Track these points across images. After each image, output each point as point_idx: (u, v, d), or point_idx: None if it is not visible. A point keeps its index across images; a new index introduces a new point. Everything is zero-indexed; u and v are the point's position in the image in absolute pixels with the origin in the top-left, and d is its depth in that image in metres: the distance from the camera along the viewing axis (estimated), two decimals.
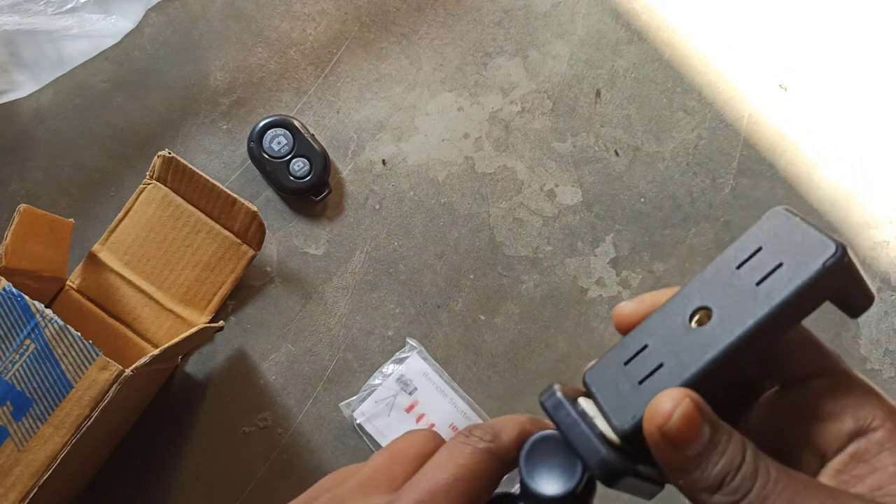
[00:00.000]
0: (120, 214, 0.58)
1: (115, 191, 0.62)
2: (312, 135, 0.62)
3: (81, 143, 0.63)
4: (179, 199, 0.57)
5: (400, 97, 0.64)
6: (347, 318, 0.60)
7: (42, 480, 0.43)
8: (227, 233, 0.57)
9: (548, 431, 0.24)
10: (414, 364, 0.58)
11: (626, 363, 0.24)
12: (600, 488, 0.24)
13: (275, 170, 0.61)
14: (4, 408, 0.44)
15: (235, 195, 0.56)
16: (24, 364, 0.44)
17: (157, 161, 0.57)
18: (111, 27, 0.59)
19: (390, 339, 0.60)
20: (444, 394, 0.58)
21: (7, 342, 0.44)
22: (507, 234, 0.62)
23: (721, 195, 0.62)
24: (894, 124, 0.63)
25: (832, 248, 0.22)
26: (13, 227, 0.47)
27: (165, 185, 0.57)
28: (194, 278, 0.57)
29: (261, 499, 0.57)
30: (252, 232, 0.57)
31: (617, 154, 0.62)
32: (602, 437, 0.23)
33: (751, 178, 0.62)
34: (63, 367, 0.44)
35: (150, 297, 0.57)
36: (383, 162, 0.63)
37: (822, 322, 0.60)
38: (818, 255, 0.22)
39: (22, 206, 0.48)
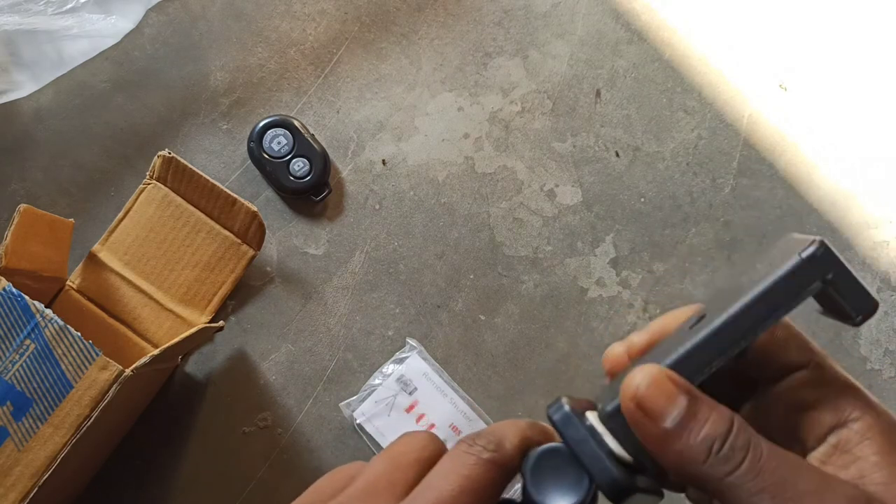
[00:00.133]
0: (120, 214, 0.58)
1: (115, 191, 0.62)
2: (312, 135, 0.62)
3: (81, 143, 0.63)
4: (179, 199, 0.57)
5: (400, 97, 0.64)
6: (347, 318, 0.60)
7: (42, 480, 0.43)
8: (227, 233, 0.57)
9: (554, 445, 0.24)
10: (414, 364, 0.58)
11: None
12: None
13: (275, 170, 0.61)
14: (4, 408, 0.44)
15: (235, 195, 0.56)
16: (24, 364, 0.44)
17: (157, 161, 0.57)
18: (111, 27, 0.59)
19: (390, 339, 0.60)
20: (444, 394, 0.58)
21: (7, 342, 0.44)
22: (507, 234, 0.62)
23: (721, 195, 0.62)
24: (894, 124, 0.63)
25: (809, 242, 0.22)
26: (13, 227, 0.47)
27: (165, 185, 0.57)
28: (194, 278, 0.57)
29: (261, 499, 0.57)
30: (252, 232, 0.57)
31: (617, 155, 0.62)
32: (611, 454, 0.23)
33: (751, 178, 0.62)
34: (63, 367, 0.44)
35: (150, 297, 0.57)
36: (383, 162, 0.63)
37: (823, 322, 0.60)
38: (797, 250, 0.22)
39: (22, 206, 0.48)
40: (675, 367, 0.23)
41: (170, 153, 0.56)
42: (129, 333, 0.57)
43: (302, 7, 0.65)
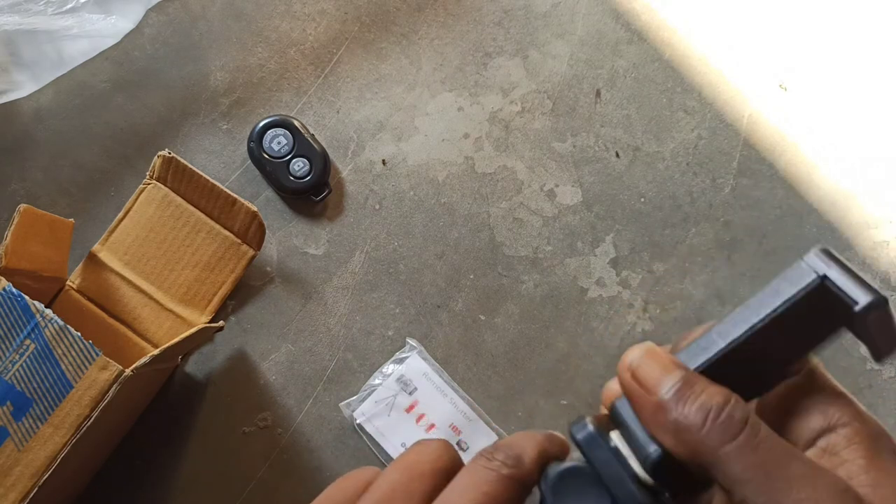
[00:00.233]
0: (120, 214, 0.58)
1: (115, 191, 0.62)
2: (312, 135, 0.62)
3: (81, 143, 0.63)
4: (179, 199, 0.57)
5: (400, 97, 0.64)
6: (347, 318, 0.60)
7: (42, 480, 0.43)
8: (227, 233, 0.57)
9: (575, 464, 0.24)
10: (414, 364, 0.58)
11: None
12: None
13: (275, 170, 0.61)
14: (4, 408, 0.44)
15: (235, 195, 0.56)
16: (24, 364, 0.44)
17: (157, 161, 0.57)
18: (111, 27, 0.59)
19: (390, 339, 0.60)
20: (444, 394, 0.58)
21: (7, 342, 0.44)
22: (507, 234, 0.62)
23: (721, 195, 0.62)
24: (894, 124, 0.63)
25: (812, 275, 0.23)
26: (13, 227, 0.47)
27: (165, 185, 0.57)
28: (194, 278, 0.57)
29: (261, 499, 0.57)
30: (252, 232, 0.57)
31: (617, 155, 0.62)
32: (635, 477, 0.23)
33: (751, 178, 0.62)
34: (63, 367, 0.44)
35: (150, 297, 0.57)
36: (383, 162, 0.63)
37: None
38: (805, 276, 0.23)
39: (22, 206, 0.48)
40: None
41: (170, 153, 0.56)
42: (129, 333, 0.57)
43: (302, 7, 0.65)
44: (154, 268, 0.57)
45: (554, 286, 0.61)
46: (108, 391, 0.43)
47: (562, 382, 0.59)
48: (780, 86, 0.63)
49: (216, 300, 0.58)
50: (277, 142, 0.61)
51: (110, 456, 0.57)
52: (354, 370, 0.59)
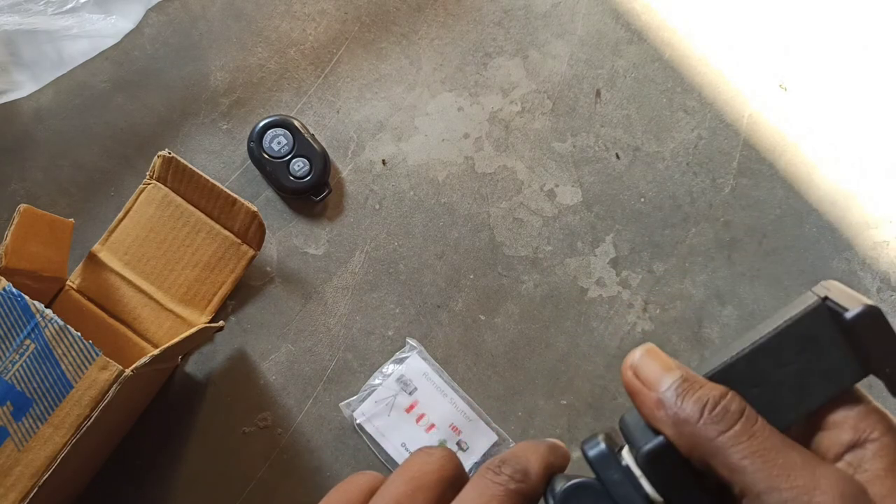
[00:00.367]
0: (120, 214, 0.58)
1: (115, 191, 0.62)
2: (312, 135, 0.62)
3: (81, 143, 0.63)
4: (179, 199, 0.57)
5: (400, 97, 0.64)
6: (347, 318, 0.60)
7: (42, 480, 0.43)
8: (227, 233, 0.57)
9: (585, 480, 0.24)
10: (414, 364, 0.58)
11: None
12: None
13: (275, 170, 0.61)
14: (4, 408, 0.44)
15: (235, 195, 0.56)
16: (24, 364, 0.44)
17: (157, 161, 0.57)
18: (111, 27, 0.59)
19: (390, 339, 0.60)
20: (444, 394, 0.58)
21: (7, 342, 0.44)
22: (507, 234, 0.62)
23: (721, 195, 0.62)
24: (894, 124, 0.63)
25: (814, 298, 0.24)
26: (13, 227, 0.47)
27: (165, 185, 0.57)
28: (194, 278, 0.57)
29: (261, 499, 0.57)
30: (252, 232, 0.57)
31: (617, 156, 0.62)
32: (646, 497, 0.23)
33: (751, 178, 0.62)
34: (63, 367, 0.44)
35: (150, 297, 0.57)
36: (383, 162, 0.63)
37: None
38: (807, 299, 0.24)
39: (22, 206, 0.48)
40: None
41: (170, 153, 0.56)
42: (129, 333, 0.57)
43: (302, 7, 0.65)
44: (154, 268, 0.57)
45: (554, 286, 0.61)
46: (108, 391, 0.43)
47: (562, 382, 0.59)
48: (780, 86, 0.63)
49: (216, 300, 0.58)
50: (277, 142, 0.61)
51: (110, 456, 0.57)
52: (354, 370, 0.59)
